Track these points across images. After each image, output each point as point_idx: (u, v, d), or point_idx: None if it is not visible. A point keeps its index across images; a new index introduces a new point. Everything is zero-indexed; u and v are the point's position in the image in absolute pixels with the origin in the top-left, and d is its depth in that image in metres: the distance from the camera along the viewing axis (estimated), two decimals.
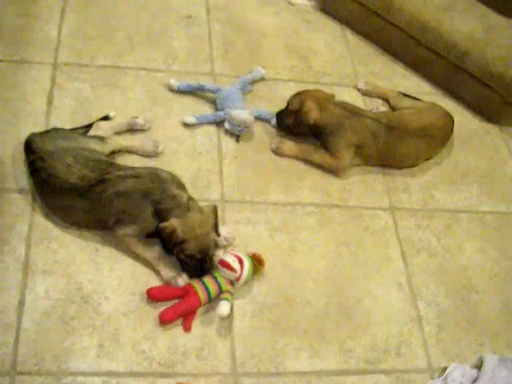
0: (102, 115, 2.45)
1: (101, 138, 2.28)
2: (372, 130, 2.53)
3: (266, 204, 2.41)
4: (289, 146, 2.58)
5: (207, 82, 2.72)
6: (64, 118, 2.41)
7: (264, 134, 2.63)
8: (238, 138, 2.58)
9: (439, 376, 2.10)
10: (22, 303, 1.95)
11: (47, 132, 2.24)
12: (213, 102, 2.66)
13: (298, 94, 2.57)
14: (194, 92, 2.68)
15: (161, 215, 2.02)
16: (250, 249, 2.23)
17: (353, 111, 2.56)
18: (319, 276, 2.25)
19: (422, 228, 2.51)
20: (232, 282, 2.08)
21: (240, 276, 2.07)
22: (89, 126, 2.38)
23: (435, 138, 2.67)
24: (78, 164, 2.08)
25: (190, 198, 2.08)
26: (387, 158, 2.63)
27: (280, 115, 2.61)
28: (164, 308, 2.01)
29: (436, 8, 2.95)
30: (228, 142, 2.56)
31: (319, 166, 2.57)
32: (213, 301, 2.05)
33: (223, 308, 1.99)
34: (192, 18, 3.02)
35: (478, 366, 2.11)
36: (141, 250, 2.10)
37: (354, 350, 2.10)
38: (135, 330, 1.97)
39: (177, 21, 2.98)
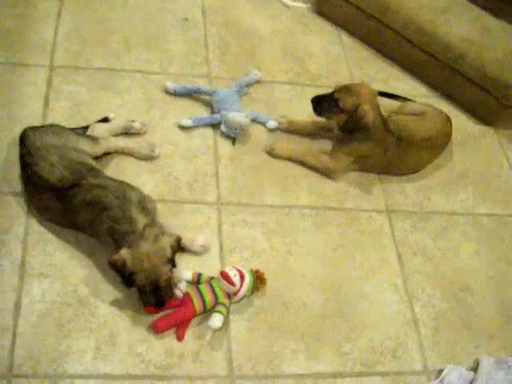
0: (98, 117, 2.45)
1: (94, 139, 2.27)
2: (387, 147, 2.49)
3: (262, 206, 2.41)
4: (282, 146, 2.57)
5: (203, 85, 2.72)
6: (60, 121, 2.40)
7: (260, 137, 2.63)
8: (234, 140, 2.57)
9: (435, 378, 2.10)
10: (18, 306, 1.94)
11: (42, 126, 2.24)
12: (209, 105, 2.66)
13: (350, 91, 2.37)
14: (191, 94, 2.68)
15: (113, 236, 1.95)
16: (246, 252, 2.23)
17: (384, 121, 2.46)
18: (315, 278, 2.26)
19: (418, 230, 2.51)
20: (229, 296, 2.05)
21: (238, 291, 2.04)
22: (86, 128, 2.38)
23: (439, 146, 2.67)
24: (61, 165, 2.05)
25: (147, 225, 1.95)
26: (391, 169, 2.61)
27: (319, 102, 2.44)
28: (157, 316, 1.99)
29: (432, 11, 2.95)
30: (224, 145, 2.56)
31: (313, 168, 2.56)
32: (208, 311, 2.03)
33: (215, 320, 1.97)
34: (188, 20, 3.02)
35: (474, 368, 2.11)
36: None
37: (351, 353, 2.10)
38: (131, 333, 1.97)
39: (173, 23, 2.98)
